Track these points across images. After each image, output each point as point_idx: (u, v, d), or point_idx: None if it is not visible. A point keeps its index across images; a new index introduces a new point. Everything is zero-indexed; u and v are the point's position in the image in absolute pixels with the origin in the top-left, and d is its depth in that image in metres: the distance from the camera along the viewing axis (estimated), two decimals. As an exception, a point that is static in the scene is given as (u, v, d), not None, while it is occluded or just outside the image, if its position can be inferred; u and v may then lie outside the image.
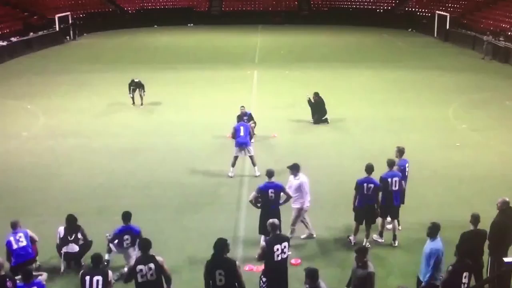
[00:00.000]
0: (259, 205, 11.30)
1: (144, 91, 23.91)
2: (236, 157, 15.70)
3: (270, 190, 11.12)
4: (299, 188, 11.66)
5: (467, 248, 9.44)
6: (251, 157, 15.77)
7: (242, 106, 18.76)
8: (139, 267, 8.42)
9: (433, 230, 8.99)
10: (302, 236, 12.11)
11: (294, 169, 11.80)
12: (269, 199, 11.14)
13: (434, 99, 25.31)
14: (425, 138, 19.40)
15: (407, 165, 12.39)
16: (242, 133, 15.69)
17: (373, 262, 11.02)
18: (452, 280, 8.47)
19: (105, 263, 10.19)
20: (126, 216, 10.58)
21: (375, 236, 11.97)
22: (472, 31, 41.70)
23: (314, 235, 12.09)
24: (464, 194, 14.64)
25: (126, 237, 10.48)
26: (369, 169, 11.56)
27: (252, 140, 18.86)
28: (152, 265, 8.44)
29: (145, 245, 8.64)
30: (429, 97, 25.63)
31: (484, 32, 38.41)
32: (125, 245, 10.51)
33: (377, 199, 11.56)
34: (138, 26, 54.68)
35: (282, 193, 11.27)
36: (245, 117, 18.36)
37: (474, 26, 42.97)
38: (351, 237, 11.83)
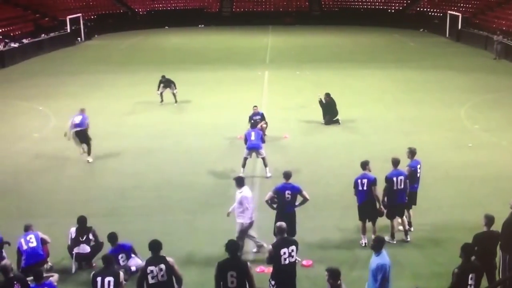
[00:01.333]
0: (275, 206, 11.23)
1: (175, 88, 24.19)
2: (246, 158, 15.69)
3: (287, 192, 11.08)
4: (241, 202, 11.05)
5: (480, 249, 9.36)
6: (263, 158, 15.73)
7: (255, 106, 18.94)
8: (150, 268, 8.41)
9: (377, 245, 8.65)
10: (254, 250, 11.58)
11: (237, 182, 11.27)
12: (285, 200, 11.10)
13: (446, 99, 25.14)
14: (436, 139, 19.27)
15: (418, 166, 12.31)
16: (253, 138, 15.68)
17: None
18: (458, 282, 8.37)
19: None
20: (112, 237, 10.59)
21: (387, 238, 11.85)
22: (484, 31, 41.41)
23: (265, 245, 11.12)
24: (476, 195, 14.52)
25: (120, 255, 10.57)
26: (363, 165, 11.69)
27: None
28: (162, 266, 8.42)
29: (156, 246, 8.63)
30: (441, 98, 25.47)
31: (495, 32, 38.11)
32: (121, 262, 10.58)
33: (375, 195, 11.51)
34: (149, 27, 54.90)
35: (298, 195, 11.21)
36: (257, 117, 18.45)
37: (486, 26, 42.66)
38: (362, 240, 11.75)
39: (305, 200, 11.26)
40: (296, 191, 11.15)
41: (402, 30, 51.31)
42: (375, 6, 57.97)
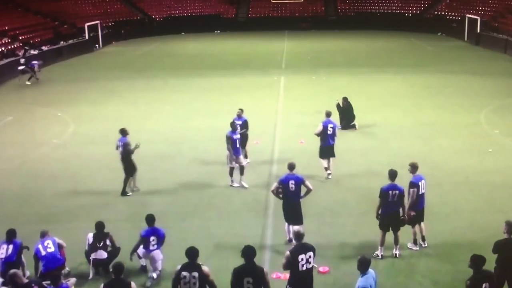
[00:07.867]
0: (281, 196, 11.74)
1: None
2: (232, 168, 15.50)
3: (290, 182, 11.54)
4: None
5: (501, 256, 9.21)
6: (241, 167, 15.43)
7: (240, 109, 17.19)
8: (183, 273, 8.37)
9: (361, 265, 8.32)
10: None
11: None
12: (290, 190, 11.57)
13: (465, 104, 24.87)
14: (456, 144, 19.04)
15: (422, 182, 11.67)
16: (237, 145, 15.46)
17: (405, 272, 10.89)
18: None
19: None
20: (151, 219, 10.88)
21: (409, 245, 11.76)
22: (504, 34, 40.96)
23: None
24: (497, 201, 14.28)
25: (152, 238, 10.74)
26: (393, 175, 11.34)
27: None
28: (196, 274, 8.34)
29: (192, 253, 8.55)
30: (460, 102, 25.20)
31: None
32: (151, 247, 10.70)
33: (403, 205, 11.38)
34: (165, 34, 55.31)
35: (302, 186, 11.61)
36: (238, 121, 16.43)
37: (506, 29, 42.19)
38: (378, 251, 11.48)
39: (308, 190, 11.67)
40: (299, 181, 11.57)
41: (420, 34, 50.99)
42: (392, 10, 57.71)
